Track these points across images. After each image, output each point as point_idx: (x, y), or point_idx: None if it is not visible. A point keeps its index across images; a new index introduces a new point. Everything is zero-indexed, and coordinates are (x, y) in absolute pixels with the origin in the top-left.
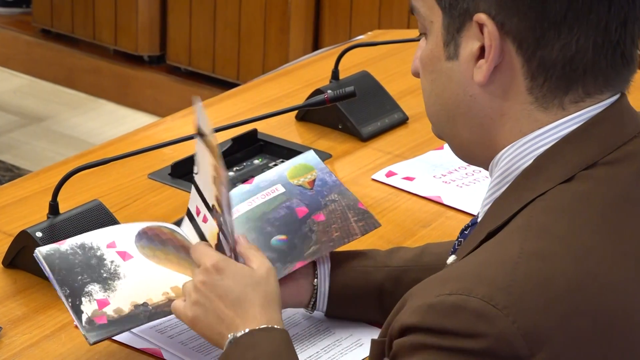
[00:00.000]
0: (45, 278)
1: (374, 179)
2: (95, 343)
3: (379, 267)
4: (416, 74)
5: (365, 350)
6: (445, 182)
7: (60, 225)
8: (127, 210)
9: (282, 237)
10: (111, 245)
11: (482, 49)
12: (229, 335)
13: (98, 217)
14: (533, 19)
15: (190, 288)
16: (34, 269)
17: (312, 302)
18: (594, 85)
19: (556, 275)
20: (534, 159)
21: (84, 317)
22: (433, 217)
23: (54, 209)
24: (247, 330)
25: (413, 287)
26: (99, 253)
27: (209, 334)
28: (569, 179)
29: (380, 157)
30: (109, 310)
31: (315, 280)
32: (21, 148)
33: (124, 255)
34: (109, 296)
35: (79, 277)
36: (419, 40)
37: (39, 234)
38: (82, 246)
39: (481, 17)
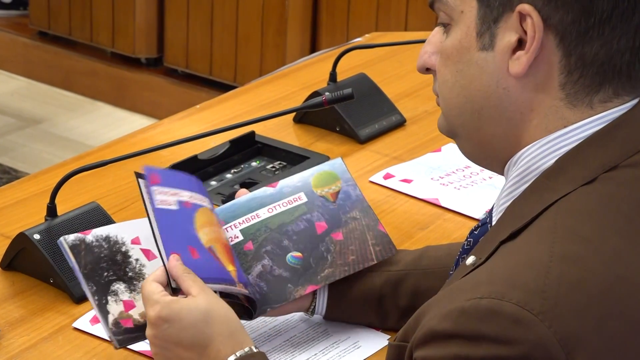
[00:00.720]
0: (44, 280)
1: (371, 181)
2: (121, 348)
3: (377, 271)
4: (423, 70)
5: (363, 353)
6: (443, 184)
7: (58, 227)
8: (125, 213)
9: (298, 254)
10: (135, 242)
11: (519, 41)
12: None
13: (96, 219)
14: (578, 14)
15: (149, 340)
16: (32, 271)
17: (312, 307)
18: (623, 87)
19: (588, 279)
20: (555, 159)
21: (110, 319)
22: (431, 220)
23: (51, 211)
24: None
25: (425, 292)
26: (124, 249)
27: None
28: (591, 180)
29: (378, 160)
30: (135, 314)
31: None
32: (18, 150)
33: (147, 254)
34: (134, 298)
35: (105, 274)
36: (417, 42)
37: (37, 236)
38: (107, 239)
39: (526, 7)
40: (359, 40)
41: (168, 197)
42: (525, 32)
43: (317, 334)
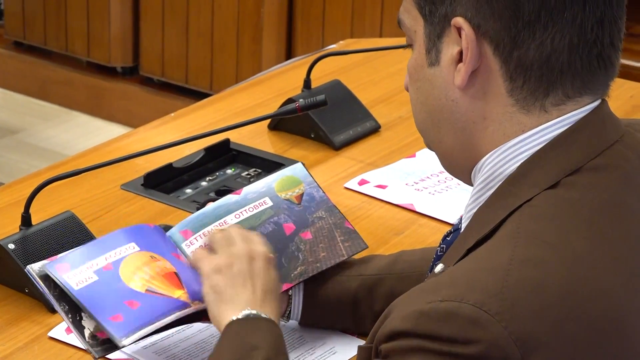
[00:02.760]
0: (19, 290)
1: (346, 188)
2: (100, 357)
3: (352, 276)
4: (407, 88)
5: (339, 358)
6: (418, 189)
7: (33, 237)
8: (100, 222)
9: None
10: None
11: (461, 53)
12: (248, 310)
13: (70, 228)
14: (508, 20)
15: (235, 250)
16: (7, 280)
17: (287, 312)
18: (572, 87)
19: (548, 282)
20: (518, 164)
21: (87, 333)
22: (406, 225)
23: (26, 220)
24: (268, 316)
25: (400, 296)
26: None
27: (220, 290)
28: (553, 185)
29: (353, 166)
30: None
31: (290, 290)
32: None
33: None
34: None
35: None
36: (391, 48)
37: (11, 246)
38: None
39: (458, 20)
40: (333, 47)
41: (84, 275)
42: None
43: (293, 340)
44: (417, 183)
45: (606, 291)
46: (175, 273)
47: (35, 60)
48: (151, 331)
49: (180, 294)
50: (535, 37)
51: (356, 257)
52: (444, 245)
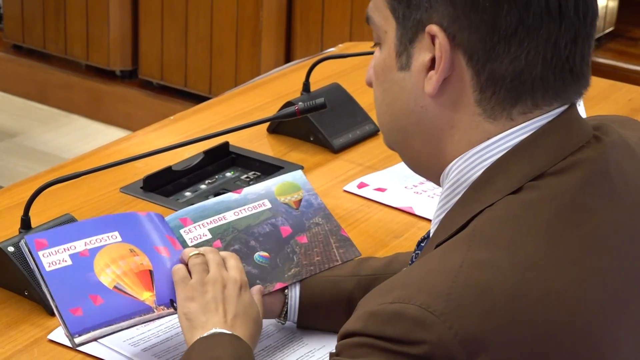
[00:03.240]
0: (18, 293)
1: (345, 191)
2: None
3: (348, 277)
4: (370, 84)
5: None
6: (417, 192)
7: None
8: None
9: (265, 254)
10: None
11: (433, 60)
12: (213, 329)
13: None
14: (484, 32)
15: (209, 276)
16: (6, 283)
17: (283, 313)
18: (542, 98)
19: (496, 284)
20: (482, 170)
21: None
22: (405, 228)
23: (25, 223)
24: (231, 332)
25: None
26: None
27: (192, 316)
28: (516, 190)
29: (352, 169)
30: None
31: (286, 290)
32: None
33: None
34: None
35: None
36: None
37: (11, 249)
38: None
39: (433, 28)
40: (332, 50)
41: (58, 256)
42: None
43: (293, 342)
44: (416, 186)
45: (559, 294)
46: (150, 272)
47: (34, 63)
48: (106, 334)
49: (147, 297)
50: (510, 51)
51: (365, 249)
52: (419, 252)
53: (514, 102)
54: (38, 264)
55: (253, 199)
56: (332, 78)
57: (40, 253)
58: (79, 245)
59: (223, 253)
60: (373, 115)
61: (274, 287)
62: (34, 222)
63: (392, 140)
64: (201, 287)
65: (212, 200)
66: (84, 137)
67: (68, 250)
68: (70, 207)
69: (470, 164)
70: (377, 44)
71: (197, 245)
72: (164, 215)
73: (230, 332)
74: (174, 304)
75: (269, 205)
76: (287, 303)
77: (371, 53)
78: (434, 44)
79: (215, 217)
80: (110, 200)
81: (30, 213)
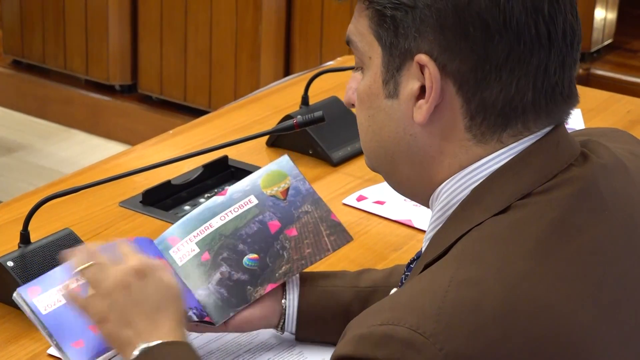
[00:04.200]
0: (17, 308)
1: (345, 204)
2: None
3: (347, 287)
4: (350, 105)
5: None
6: (416, 205)
7: (32, 255)
8: (98, 239)
9: (254, 255)
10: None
11: (422, 89)
12: (141, 344)
13: (69, 245)
14: (475, 62)
15: (107, 284)
16: (6, 298)
17: (281, 323)
18: (534, 122)
19: (485, 302)
20: (471, 190)
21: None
22: (404, 241)
23: (25, 238)
24: (160, 342)
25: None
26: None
27: (115, 337)
28: (504, 209)
29: (351, 182)
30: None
31: (284, 300)
32: None
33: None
34: None
35: None
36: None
37: (10, 264)
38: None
39: (422, 58)
40: (331, 64)
41: (53, 298)
42: (425, 80)
43: (292, 356)
44: None
45: (549, 309)
46: None
47: (33, 78)
48: (109, 357)
49: None
50: (501, 79)
51: (364, 261)
52: (408, 273)
53: (505, 126)
54: (34, 311)
55: (239, 198)
56: (330, 91)
57: (34, 300)
58: (71, 283)
59: (111, 252)
60: None
61: (265, 289)
62: (33, 237)
63: (377, 165)
64: (104, 301)
65: (198, 209)
66: (83, 151)
67: (61, 290)
68: (69, 221)
69: (460, 185)
70: (358, 68)
71: (187, 261)
72: (162, 228)
73: (157, 343)
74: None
75: (255, 202)
76: (285, 313)
77: None
78: (422, 72)
79: (202, 228)
80: (109, 215)
81: (30, 228)
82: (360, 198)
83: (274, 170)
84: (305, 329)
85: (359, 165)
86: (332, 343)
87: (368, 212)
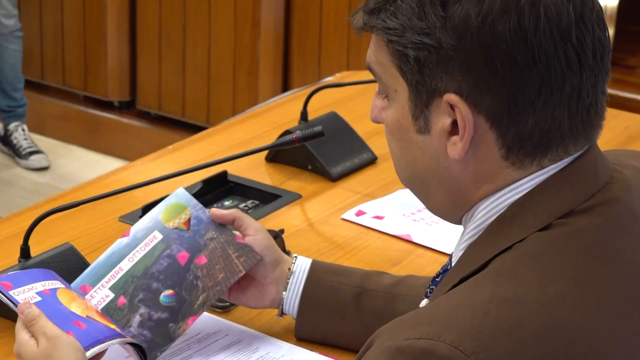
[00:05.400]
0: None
1: (344, 219)
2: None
3: (351, 287)
4: (376, 122)
5: None
6: (415, 220)
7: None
8: (98, 253)
9: (170, 292)
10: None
11: (453, 123)
12: None
13: (70, 260)
14: (506, 97)
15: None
16: (6, 313)
17: (281, 306)
18: (574, 145)
19: (526, 321)
20: (508, 206)
21: None
22: (403, 255)
23: (25, 252)
24: None
25: (383, 325)
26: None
27: None
28: (545, 227)
29: (350, 197)
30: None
31: (285, 292)
32: None
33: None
34: None
35: None
36: None
37: None
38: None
39: (452, 98)
40: (329, 80)
41: (27, 294)
42: (457, 116)
43: None
44: (414, 214)
45: (587, 334)
46: (102, 312)
47: (32, 94)
48: (108, 347)
49: (114, 327)
50: (535, 112)
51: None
52: (433, 287)
53: (545, 153)
54: (15, 302)
55: (142, 236)
56: (329, 107)
57: (11, 292)
58: (38, 287)
59: (25, 317)
60: (371, 144)
61: (187, 324)
62: (33, 252)
63: (411, 188)
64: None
65: (104, 255)
66: (82, 167)
67: (32, 289)
68: (69, 236)
69: (498, 203)
70: (383, 95)
71: (104, 308)
72: None
73: None
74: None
75: (160, 237)
76: (284, 301)
77: (369, 82)
78: (453, 109)
79: (112, 272)
80: (109, 229)
81: (30, 242)
82: (359, 213)
83: (172, 204)
84: (304, 319)
85: (358, 181)
86: (327, 342)
87: (367, 227)
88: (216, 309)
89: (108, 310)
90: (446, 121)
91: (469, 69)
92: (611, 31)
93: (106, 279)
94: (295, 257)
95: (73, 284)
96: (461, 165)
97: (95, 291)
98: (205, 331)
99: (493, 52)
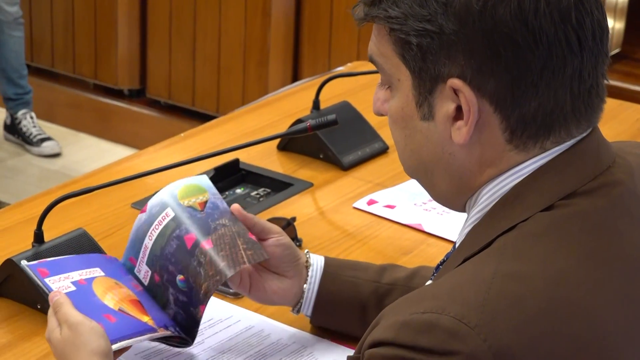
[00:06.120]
0: (31, 306)
1: (355, 207)
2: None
3: (368, 281)
4: (379, 114)
5: None
6: (426, 209)
7: (46, 254)
8: (111, 239)
9: (181, 276)
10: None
11: (457, 108)
12: None
13: (83, 245)
14: (509, 80)
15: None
16: (20, 297)
17: (298, 306)
18: (576, 127)
19: (529, 297)
20: (511, 187)
21: None
22: (414, 245)
23: (38, 237)
24: None
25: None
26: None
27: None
28: (548, 207)
29: (362, 186)
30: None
31: (305, 285)
32: (2, 182)
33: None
34: None
35: None
36: None
37: (24, 262)
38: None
39: (456, 82)
40: (341, 69)
41: (62, 283)
42: (461, 101)
43: (302, 357)
44: (425, 203)
45: (589, 311)
46: (139, 301)
47: (42, 82)
48: (135, 343)
49: (147, 320)
50: (538, 94)
51: (379, 263)
52: (436, 273)
53: (547, 135)
54: (47, 289)
55: (157, 212)
56: (341, 97)
57: (46, 279)
58: (75, 276)
59: (53, 305)
60: (382, 133)
61: (199, 311)
62: (46, 237)
63: (416, 178)
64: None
65: (133, 229)
66: (91, 155)
67: (68, 278)
68: (81, 222)
69: (501, 187)
70: (386, 86)
71: (148, 284)
72: None
73: None
74: (169, 327)
75: (172, 215)
76: (304, 297)
77: None
78: (456, 94)
79: (143, 249)
80: (121, 216)
81: (43, 228)
82: (371, 202)
83: (193, 184)
84: (320, 313)
85: (370, 170)
86: (343, 332)
87: (378, 216)
88: (228, 295)
89: (151, 287)
90: (450, 107)
91: (472, 54)
92: (621, 24)
93: (141, 254)
94: (308, 252)
95: (125, 253)
96: (465, 151)
97: (139, 265)
98: (217, 317)
99: (495, 36)
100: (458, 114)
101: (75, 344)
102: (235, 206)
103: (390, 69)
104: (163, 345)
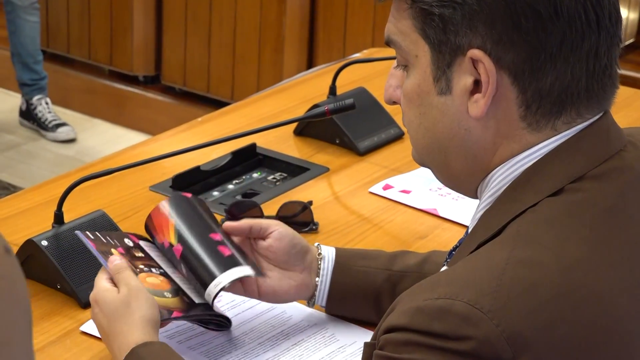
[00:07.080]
0: (50, 286)
1: (371, 192)
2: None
3: (380, 270)
4: (391, 102)
5: None
6: (441, 194)
7: (66, 234)
8: (129, 221)
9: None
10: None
11: (475, 82)
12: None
13: (102, 226)
14: (529, 52)
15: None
16: (40, 277)
17: (313, 299)
18: (586, 107)
19: (542, 283)
20: (522, 172)
21: None
22: (429, 229)
23: (59, 218)
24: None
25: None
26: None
27: (110, 349)
28: (557, 191)
29: (377, 171)
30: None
31: (317, 278)
32: (17, 167)
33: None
34: None
35: None
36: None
37: (44, 242)
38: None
39: (476, 53)
40: (357, 56)
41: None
42: (480, 74)
43: (324, 338)
44: (440, 189)
45: (601, 296)
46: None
47: (58, 68)
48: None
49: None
50: (556, 68)
51: (389, 250)
52: (449, 259)
53: (559, 114)
54: (99, 259)
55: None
56: (356, 83)
57: (97, 250)
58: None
59: (114, 267)
60: (398, 120)
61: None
62: (65, 219)
63: (428, 160)
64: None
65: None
66: (106, 141)
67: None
68: (100, 204)
69: (512, 170)
70: (401, 66)
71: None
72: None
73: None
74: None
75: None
76: (317, 289)
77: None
78: (475, 67)
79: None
80: (140, 198)
81: (62, 209)
82: (387, 187)
83: None
84: (335, 304)
85: (385, 155)
86: (360, 320)
87: (394, 200)
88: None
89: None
90: (468, 80)
91: (493, 24)
92: (635, 15)
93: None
94: (319, 244)
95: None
96: (481, 126)
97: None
98: (239, 298)
99: (517, 5)
100: (475, 87)
101: (131, 306)
102: (225, 225)
103: (408, 45)
104: (186, 325)
